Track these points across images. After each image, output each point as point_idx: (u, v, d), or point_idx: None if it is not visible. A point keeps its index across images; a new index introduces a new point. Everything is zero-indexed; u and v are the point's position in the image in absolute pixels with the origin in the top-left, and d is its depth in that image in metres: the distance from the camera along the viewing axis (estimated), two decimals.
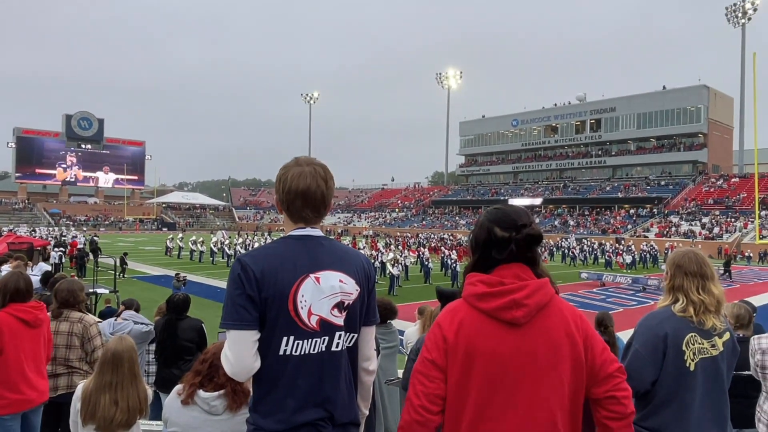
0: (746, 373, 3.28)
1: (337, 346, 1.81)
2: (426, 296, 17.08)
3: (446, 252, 26.36)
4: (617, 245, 38.33)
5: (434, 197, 77.87)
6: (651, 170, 64.57)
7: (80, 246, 26.87)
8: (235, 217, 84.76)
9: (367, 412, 1.99)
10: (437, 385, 1.63)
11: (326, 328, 1.78)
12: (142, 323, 5.26)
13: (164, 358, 5.05)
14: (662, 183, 59.81)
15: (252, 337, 1.71)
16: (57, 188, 79.31)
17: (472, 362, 1.60)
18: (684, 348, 2.25)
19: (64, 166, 78.34)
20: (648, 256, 33.88)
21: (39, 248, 19.85)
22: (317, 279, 1.77)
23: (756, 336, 3.19)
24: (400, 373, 4.46)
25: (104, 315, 7.44)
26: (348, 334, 1.84)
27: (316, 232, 1.86)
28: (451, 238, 45.00)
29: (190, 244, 31.75)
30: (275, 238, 3.54)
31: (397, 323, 5.07)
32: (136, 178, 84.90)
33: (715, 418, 2.29)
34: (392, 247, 30.64)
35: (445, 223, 65.44)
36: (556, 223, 57.86)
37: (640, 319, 2.43)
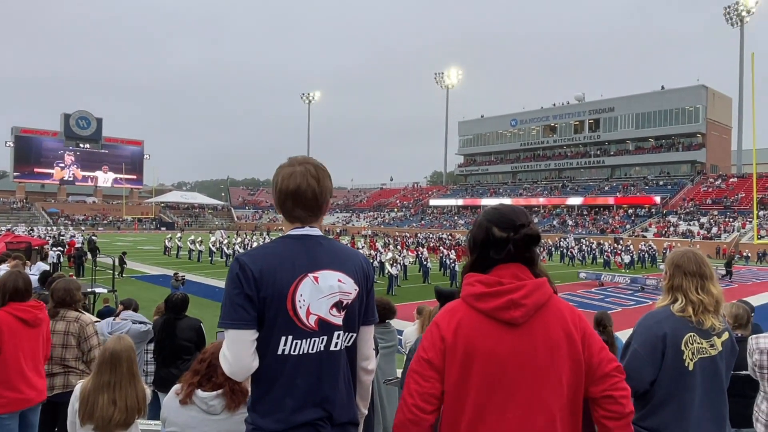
0: (744, 372, 3.28)
1: (335, 346, 1.80)
2: (425, 296, 17.07)
3: (445, 252, 26.32)
4: (616, 245, 38.40)
5: (433, 197, 77.89)
6: (649, 170, 64.66)
7: (78, 245, 26.81)
8: (234, 217, 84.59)
9: (366, 412, 1.99)
10: (432, 384, 1.63)
11: (325, 327, 1.78)
12: (140, 323, 5.25)
13: (163, 358, 5.05)
14: (661, 183, 59.88)
15: (250, 336, 1.70)
16: (55, 188, 79.07)
17: (470, 362, 1.60)
18: (683, 348, 2.25)
19: (63, 165, 78.14)
20: (646, 255, 34.03)
21: (37, 248, 19.76)
22: (316, 278, 1.76)
23: (754, 336, 3.20)
24: (399, 372, 4.46)
25: (103, 314, 7.44)
26: (347, 333, 1.83)
27: (315, 231, 1.85)
28: (449, 237, 45.02)
29: (188, 243, 31.68)
30: (274, 238, 3.52)
31: (395, 323, 5.06)
32: (134, 177, 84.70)
33: (714, 417, 2.29)
34: (391, 246, 30.60)
35: (444, 222, 65.46)
36: (554, 222, 57.91)
37: (639, 318, 2.43)
